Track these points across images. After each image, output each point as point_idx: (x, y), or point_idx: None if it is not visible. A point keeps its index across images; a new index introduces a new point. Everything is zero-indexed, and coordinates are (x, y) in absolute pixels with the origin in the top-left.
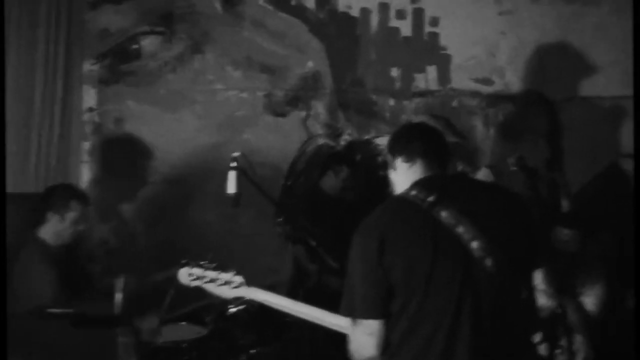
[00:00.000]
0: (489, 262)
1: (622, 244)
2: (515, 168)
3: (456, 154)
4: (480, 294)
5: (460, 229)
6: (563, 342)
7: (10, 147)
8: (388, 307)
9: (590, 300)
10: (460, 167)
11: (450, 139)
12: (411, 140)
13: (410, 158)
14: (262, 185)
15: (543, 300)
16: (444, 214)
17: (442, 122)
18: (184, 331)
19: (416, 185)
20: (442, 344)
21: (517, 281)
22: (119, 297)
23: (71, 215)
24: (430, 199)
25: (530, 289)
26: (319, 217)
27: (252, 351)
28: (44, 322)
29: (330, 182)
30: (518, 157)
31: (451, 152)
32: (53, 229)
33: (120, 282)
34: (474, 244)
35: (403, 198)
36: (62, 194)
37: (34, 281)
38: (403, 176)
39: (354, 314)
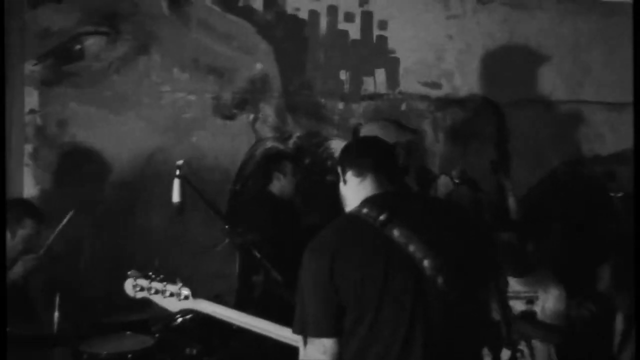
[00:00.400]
0: (440, 280)
1: (568, 247)
2: (458, 181)
3: (412, 154)
4: (432, 311)
5: (412, 248)
6: (522, 346)
7: None
8: (341, 325)
9: (549, 302)
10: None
11: (406, 137)
12: (362, 155)
13: (360, 172)
14: (208, 194)
15: (495, 313)
16: (395, 233)
17: (394, 124)
18: (129, 341)
19: (367, 202)
20: (394, 358)
21: (468, 297)
22: (56, 315)
23: (23, 232)
24: (382, 217)
25: (482, 304)
26: (270, 223)
27: None
28: None
29: (279, 184)
30: (460, 170)
31: (401, 166)
32: (10, 246)
33: (57, 299)
34: (426, 263)
35: (354, 216)
36: (16, 210)
37: None
38: (353, 190)
39: (306, 331)
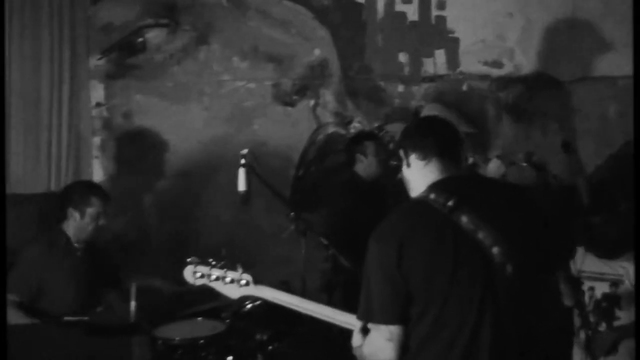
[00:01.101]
0: (509, 267)
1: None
2: (524, 164)
3: (468, 145)
4: (501, 300)
5: (481, 235)
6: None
7: (19, 148)
8: (407, 312)
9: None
10: (471, 158)
11: (463, 128)
12: (426, 136)
13: (424, 155)
14: (271, 181)
15: (565, 299)
16: (464, 219)
17: (454, 112)
18: (200, 327)
19: (434, 187)
20: (462, 350)
21: (537, 285)
22: (133, 304)
23: (91, 210)
24: (450, 203)
25: (551, 290)
26: (354, 206)
27: (270, 347)
28: (61, 330)
29: (362, 165)
30: (527, 152)
31: (465, 147)
32: (74, 225)
33: (133, 289)
34: (495, 250)
35: (421, 202)
36: (81, 190)
37: (53, 276)
38: (417, 173)
39: (372, 318)
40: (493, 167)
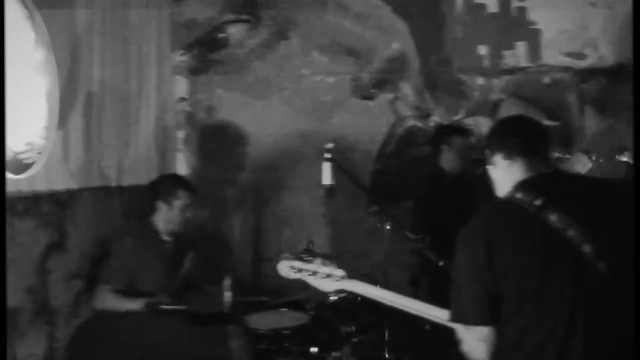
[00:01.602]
0: (602, 265)
1: None
2: (625, 159)
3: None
4: (594, 299)
5: (571, 233)
6: None
7: (111, 141)
8: (498, 313)
9: None
10: (555, 154)
11: (545, 122)
12: (510, 136)
13: (509, 155)
14: (355, 175)
15: None
16: (553, 218)
17: (534, 106)
18: (285, 318)
19: (521, 187)
20: (555, 349)
21: (631, 283)
22: (228, 296)
23: (179, 203)
24: (538, 202)
25: None
26: (438, 199)
27: (355, 340)
28: (157, 318)
29: (447, 159)
30: (619, 147)
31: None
32: (163, 217)
33: (227, 282)
34: (586, 248)
35: (508, 202)
36: (168, 184)
37: (144, 267)
38: (503, 173)
39: (464, 320)
40: (578, 163)
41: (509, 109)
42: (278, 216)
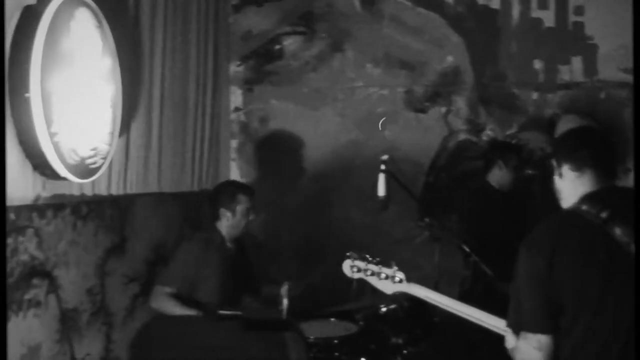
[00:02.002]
0: None
1: None
2: None
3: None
4: None
5: (634, 247)
6: None
7: (167, 148)
8: (557, 322)
9: None
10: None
11: None
12: (579, 148)
13: (578, 167)
14: (411, 188)
15: None
16: (617, 231)
17: (591, 122)
18: (333, 327)
19: (588, 199)
20: None
21: None
22: (286, 302)
23: (240, 207)
24: (604, 214)
25: None
26: (485, 214)
27: (405, 351)
28: (213, 323)
29: (500, 174)
30: None
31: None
32: (227, 223)
33: (285, 288)
34: None
35: (574, 213)
36: (228, 190)
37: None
38: (570, 184)
39: (521, 327)
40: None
41: (567, 125)
42: (327, 226)
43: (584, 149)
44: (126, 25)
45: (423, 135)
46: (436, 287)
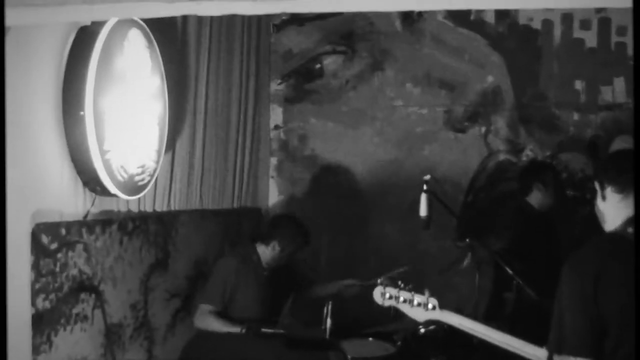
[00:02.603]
0: None
1: None
2: None
3: None
4: None
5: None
6: None
7: (210, 165)
8: (601, 346)
9: None
10: None
11: None
12: (624, 170)
13: (622, 189)
14: (453, 208)
15: None
16: None
17: None
18: (371, 347)
19: (632, 222)
20: None
21: None
22: (329, 322)
23: (290, 249)
24: None
25: None
26: (526, 235)
27: None
28: (257, 341)
29: (540, 195)
30: None
31: None
32: (270, 253)
33: (328, 307)
34: None
35: (619, 236)
36: (289, 227)
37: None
38: (614, 207)
39: (565, 349)
40: None
41: (621, 144)
42: (365, 244)
43: (629, 172)
44: (174, 45)
45: (462, 155)
46: (476, 310)
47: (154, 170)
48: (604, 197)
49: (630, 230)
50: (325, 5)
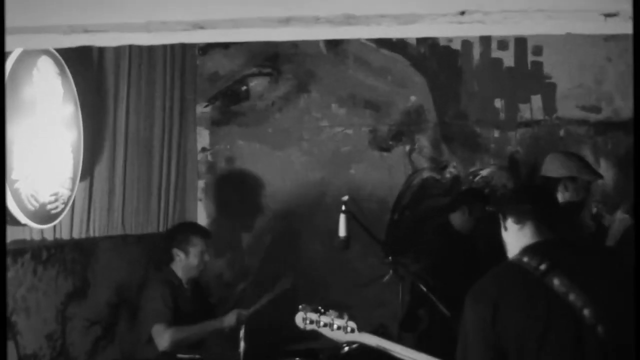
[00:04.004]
0: (600, 329)
1: None
2: (626, 215)
3: (591, 194)
4: None
5: (572, 297)
6: None
7: (133, 191)
8: None
9: None
10: (595, 208)
11: (585, 177)
12: (522, 202)
13: (520, 220)
14: (371, 227)
15: None
16: (556, 282)
17: (575, 160)
18: None
19: (527, 251)
20: None
21: (629, 347)
22: (242, 345)
23: (194, 250)
24: (542, 267)
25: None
26: (446, 254)
27: None
28: None
29: (462, 218)
30: (631, 203)
31: (565, 211)
32: (181, 265)
33: (242, 331)
34: (586, 312)
35: (515, 265)
36: (182, 231)
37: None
38: (513, 237)
39: None
40: (618, 220)
41: (551, 164)
42: (293, 264)
43: (526, 203)
44: (89, 71)
45: (388, 173)
46: (400, 327)
47: (69, 198)
48: (505, 228)
49: (525, 259)
50: (230, 35)
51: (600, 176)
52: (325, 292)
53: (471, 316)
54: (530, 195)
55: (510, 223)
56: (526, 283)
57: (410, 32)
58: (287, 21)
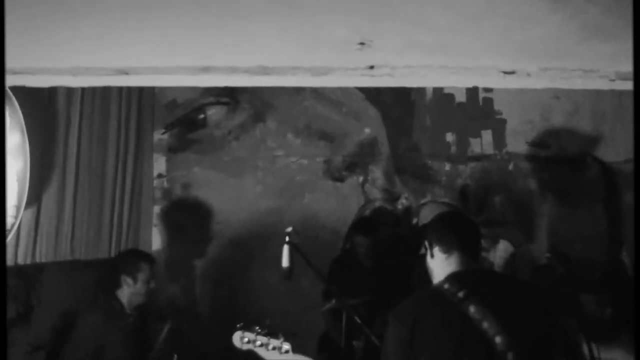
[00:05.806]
0: (510, 356)
1: None
2: (548, 255)
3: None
4: None
5: (485, 324)
6: None
7: (83, 215)
8: None
9: None
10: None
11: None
12: (448, 232)
13: (446, 249)
14: (313, 257)
15: None
16: (472, 309)
17: (455, 207)
18: None
19: (450, 278)
20: None
21: None
22: None
23: (142, 276)
24: (461, 294)
25: None
26: (359, 286)
27: None
28: None
29: (360, 249)
30: (550, 245)
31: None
32: (128, 291)
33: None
34: (497, 339)
35: (437, 290)
36: (130, 258)
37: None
38: (439, 264)
39: None
40: (501, 249)
41: (430, 211)
42: (246, 290)
43: (452, 233)
44: (39, 99)
45: (341, 203)
46: (343, 355)
47: (12, 225)
48: (432, 255)
49: (446, 286)
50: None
51: (480, 217)
52: (274, 318)
53: (392, 333)
54: (457, 226)
55: (437, 251)
56: (444, 308)
57: (324, 83)
58: (206, 70)
